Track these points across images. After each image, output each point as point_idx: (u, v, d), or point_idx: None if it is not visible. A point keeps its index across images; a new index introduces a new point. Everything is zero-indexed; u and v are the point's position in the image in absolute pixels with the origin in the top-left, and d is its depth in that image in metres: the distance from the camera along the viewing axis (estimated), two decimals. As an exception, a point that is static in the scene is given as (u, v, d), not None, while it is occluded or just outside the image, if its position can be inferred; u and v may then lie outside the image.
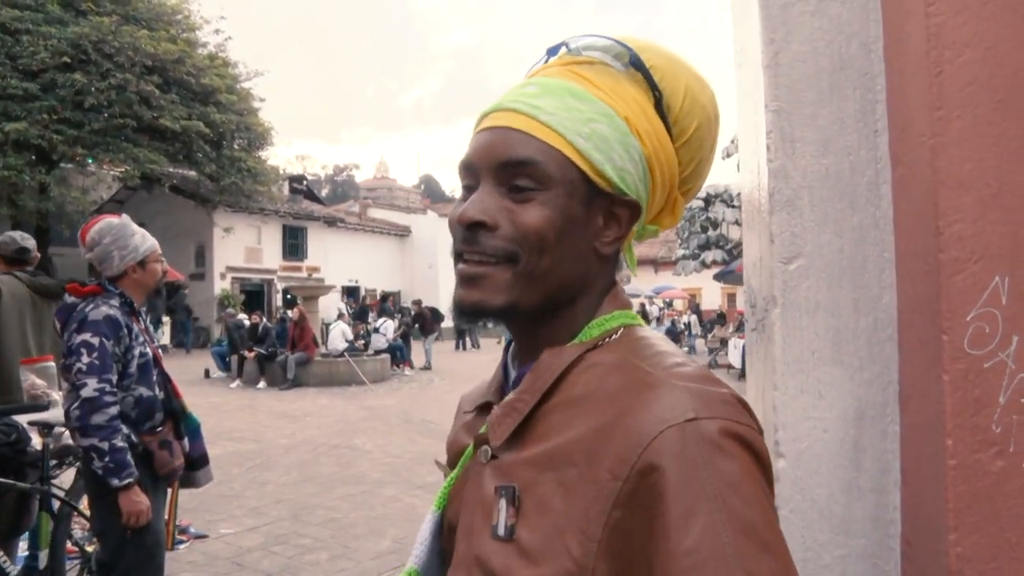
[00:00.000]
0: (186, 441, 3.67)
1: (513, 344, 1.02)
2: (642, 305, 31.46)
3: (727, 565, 0.70)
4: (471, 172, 0.93)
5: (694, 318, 33.19)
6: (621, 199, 0.93)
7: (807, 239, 1.33)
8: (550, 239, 0.88)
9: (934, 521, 1.17)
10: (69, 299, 3.42)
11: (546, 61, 1.00)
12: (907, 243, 1.26)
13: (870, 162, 1.33)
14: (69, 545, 4.39)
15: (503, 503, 0.86)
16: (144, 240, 3.56)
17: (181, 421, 3.64)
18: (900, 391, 1.31)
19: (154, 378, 3.49)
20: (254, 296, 32.31)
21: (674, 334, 27.92)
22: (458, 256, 0.93)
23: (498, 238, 0.89)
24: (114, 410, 3.20)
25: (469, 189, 0.93)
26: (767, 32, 1.35)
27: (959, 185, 1.12)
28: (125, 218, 3.58)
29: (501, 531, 0.85)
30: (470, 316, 0.92)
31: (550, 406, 0.89)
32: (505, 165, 0.89)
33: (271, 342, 18.19)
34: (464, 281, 0.92)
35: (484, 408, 1.01)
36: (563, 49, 0.98)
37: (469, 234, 0.90)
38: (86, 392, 3.16)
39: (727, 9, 1.67)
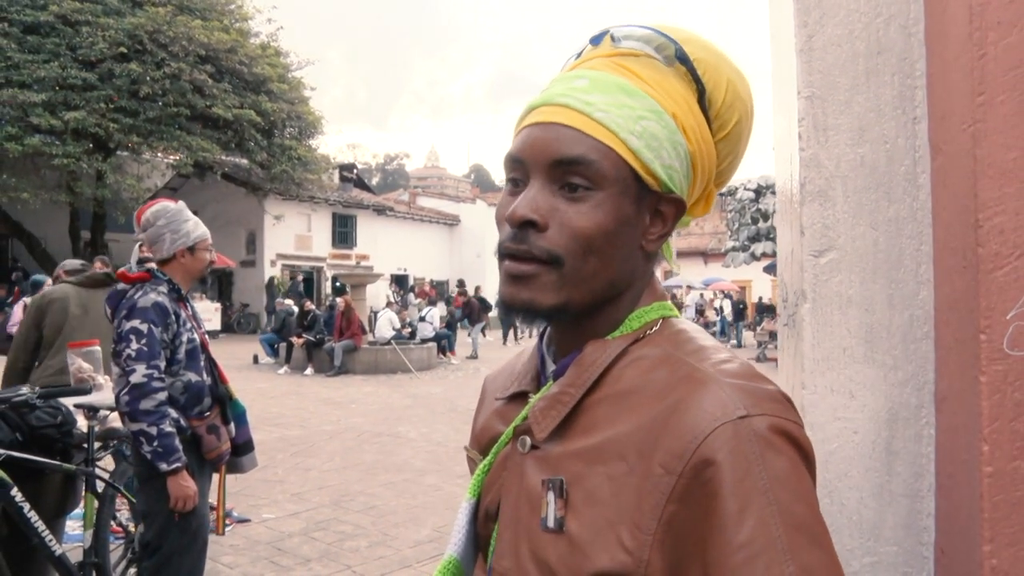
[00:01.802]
0: (232, 426, 3.72)
1: (548, 332, 1.02)
2: (673, 295, 31.01)
3: (779, 558, 0.73)
4: (520, 167, 0.92)
5: (726, 302, 32.36)
6: (667, 196, 0.93)
7: (840, 231, 1.27)
8: (599, 242, 0.88)
9: (969, 530, 1.10)
10: (119, 286, 3.47)
11: (583, 51, 0.99)
12: (946, 236, 1.20)
13: (908, 151, 1.26)
14: (114, 525, 4.48)
15: (551, 495, 0.87)
16: (196, 227, 3.61)
17: (227, 406, 3.69)
18: (936, 392, 1.24)
19: (202, 363, 3.53)
20: (304, 283, 32.71)
21: (707, 325, 27.55)
22: (505, 253, 0.92)
23: (546, 240, 0.89)
24: (162, 395, 3.25)
25: (515, 183, 0.93)
26: (800, 15, 1.29)
27: (1001, 175, 1.06)
28: (181, 204, 3.63)
29: (551, 523, 0.86)
30: (521, 315, 0.93)
31: (595, 399, 0.90)
32: (559, 163, 0.89)
33: (319, 329, 18.38)
34: (512, 279, 0.91)
35: (518, 397, 1.02)
36: (607, 38, 0.97)
37: (519, 232, 0.89)
38: (135, 378, 3.21)
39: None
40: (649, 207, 0.93)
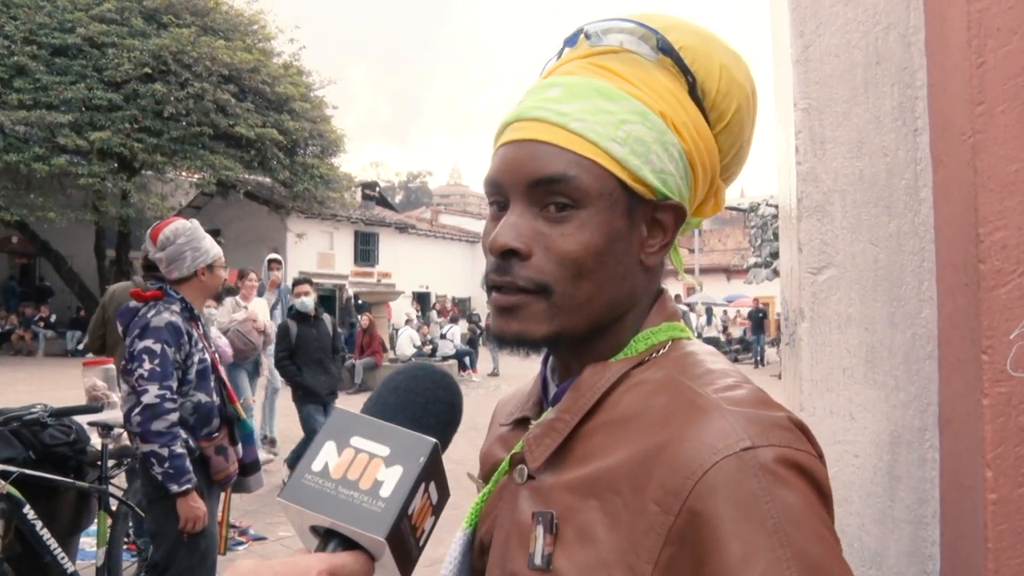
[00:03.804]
0: (240, 446, 3.71)
1: (552, 356, 0.96)
2: (683, 313, 30.47)
3: None
4: (499, 190, 0.86)
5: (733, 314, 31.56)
6: (664, 204, 0.86)
7: (838, 247, 1.23)
8: (589, 265, 0.82)
9: (973, 560, 1.05)
10: (131, 304, 3.47)
11: (561, 52, 0.92)
12: (948, 252, 1.15)
13: (909, 164, 1.22)
14: (128, 543, 4.48)
15: (540, 530, 0.80)
16: (213, 245, 3.63)
17: (236, 427, 3.68)
18: (940, 414, 1.19)
19: (212, 384, 3.52)
20: (325, 301, 32.85)
21: (715, 342, 27.20)
22: (490, 285, 0.85)
23: (530, 268, 0.82)
24: (174, 416, 3.24)
25: (498, 205, 0.87)
26: (796, 24, 1.26)
27: (1002, 188, 1.01)
28: (195, 222, 3.63)
29: (538, 560, 0.79)
30: (513, 347, 0.86)
31: (592, 426, 0.83)
32: (537, 183, 0.82)
33: (340, 346, 18.42)
34: (500, 311, 0.85)
35: (521, 423, 0.96)
36: (582, 37, 0.90)
37: (502, 262, 0.83)
38: (147, 398, 3.19)
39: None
40: (645, 217, 0.86)
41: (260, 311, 8.34)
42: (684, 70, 0.86)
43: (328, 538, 0.66)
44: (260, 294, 8.96)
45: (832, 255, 1.23)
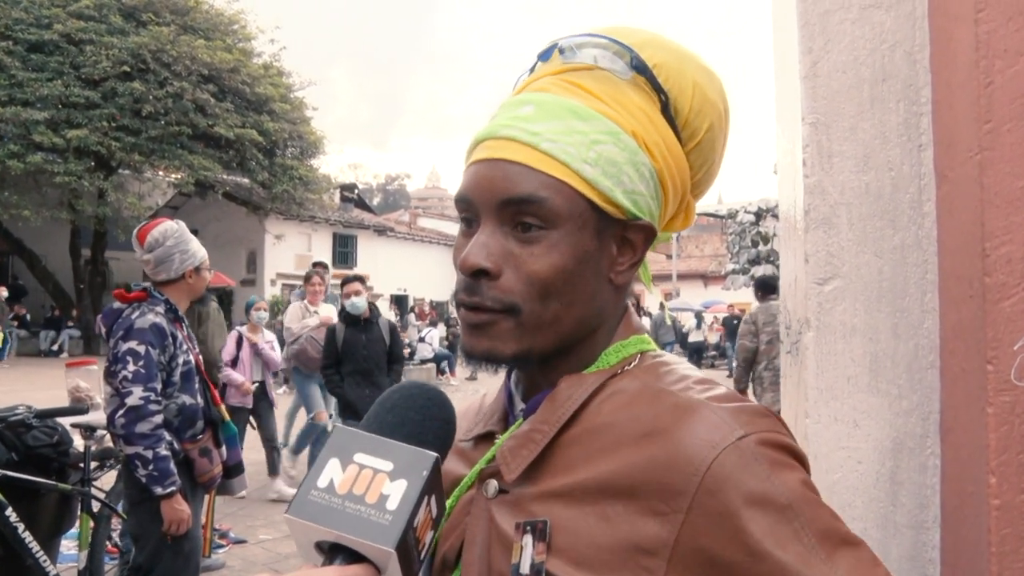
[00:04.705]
0: (224, 448, 3.69)
1: (516, 371, 0.96)
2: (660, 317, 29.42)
3: (821, 568, 0.71)
4: (470, 207, 0.86)
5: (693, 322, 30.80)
6: (634, 223, 0.87)
7: (844, 259, 1.26)
8: (557, 285, 0.83)
9: (976, 564, 1.08)
10: (115, 305, 3.45)
11: (534, 66, 0.93)
12: (951, 265, 1.19)
13: (913, 178, 1.25)
14: (110, 545, 4.44)
15: (528, 539, 0.80)
16: (199, 247, 3.60)
17: (219, 429, 3.66)
18: (941, 422, 1.23)
19: (196, 386, 3.50)
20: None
21: (701, 346, 27.10)
22: (459, 303, 0.86)
23: (498, 288, 0.83)
24: (158, 419, 3.21)
25: (468, 222, 0.87)
26: (805, 41, 1.28)
27: (1008, 204, 1.05)
28: (181, 224, 3.61)
29: (525, 570, 0.79)
30: (483, 363, 0.87)
31: (571, 436, 0.84)
32: (507, 203, 0.82)
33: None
34: (470, 328, 0.86)
35: (485, 438, 0.94)
36: (555, 52, 0.90)
37: (472, 281, 0.84)
38: (131, 400, 3.17)
39: (769, 17, 1.61)
40: (614, 237, 0.86)
41: (333, 316, 7.66)
42: (657, 88, 0.86)
43: (334, 553, 0.67)
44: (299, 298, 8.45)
45: (838, 266, 1.26)
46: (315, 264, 10.02)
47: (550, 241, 0.82)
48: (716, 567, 0.73)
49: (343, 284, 6.89)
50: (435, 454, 0.71)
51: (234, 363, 7.69)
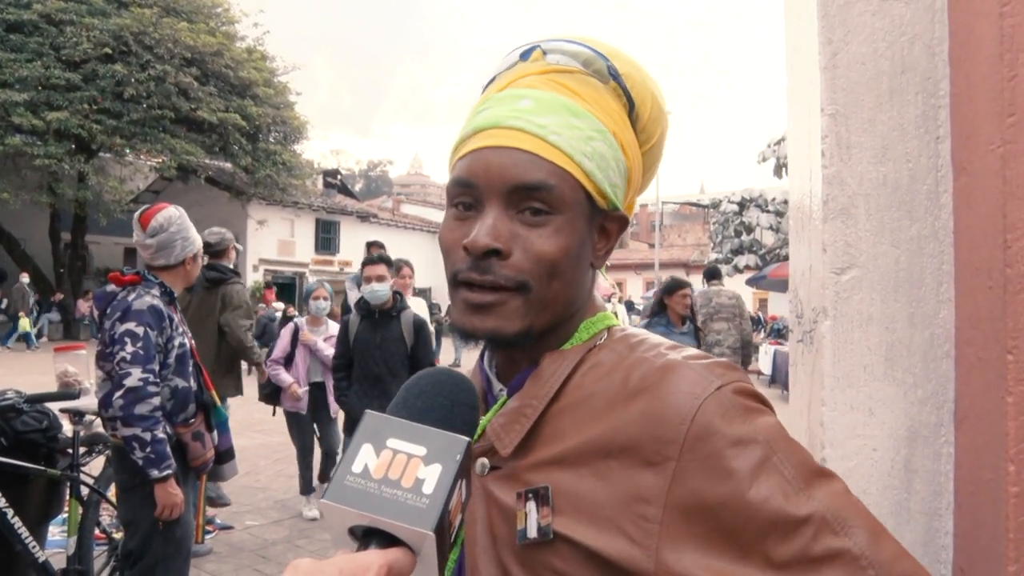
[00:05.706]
0: (215, 433, 3.68)
1: (489, 351, 1.03)
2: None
3: (801, 498, 0.78)
4: (471, 191, 0.91)
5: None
6: (613, 214, 0.97)
7: (862, 249, 1.27)
8: (563, 266, 0.90)
9: (992, 550, 1.10)
10: (108, 288, 3.42)
11: (513, 65, 0.99)
12: (968, 256, 1.20)
13: (930, 170, 1.27)
14: (97, 532, 4.42)
15: (531, 505, 0.86)
16: (197, 234, 3.60)
17: (212, 413, 3.65)
18: (956, 411, 1.25)
19: (189, 369, 3.48)
20: (286, 289, 32.52)
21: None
22: (463, 281, 0.90)
23: (510, 267, 0.88)
24: (157, 400, 3.19)
25: (465, 207, 0.92)
26: (825, 33, 1.29)
27: (1030, 196, 1.06)
28: (181, 210, 3.59)
29: (533, 533, 0.85)
30: (484, 342, 0.95)
31: (559, 408, 0.90)
32: (517, 189, 0.88)
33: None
34: (473, 308, 0.90)
35: None
36: (537, 52, 0.97)
37: (481, 261, 0.88)
38: (130, 381, 3.14)
39: (780, 9, 1.61)
40: (596, 225, 0.95)
41: (421, 312, 6.37)
42: (627, 95, 0.96)
43: (368, 538, 0.68)
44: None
45: (855, 256, 1.27)
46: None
47: (555, 225, 0.89)
48: (706, 506, 0.79)
49: (363, 265, 5.64)
50: (467, 438, 0.72)
51: (288, 361, 6.54)
